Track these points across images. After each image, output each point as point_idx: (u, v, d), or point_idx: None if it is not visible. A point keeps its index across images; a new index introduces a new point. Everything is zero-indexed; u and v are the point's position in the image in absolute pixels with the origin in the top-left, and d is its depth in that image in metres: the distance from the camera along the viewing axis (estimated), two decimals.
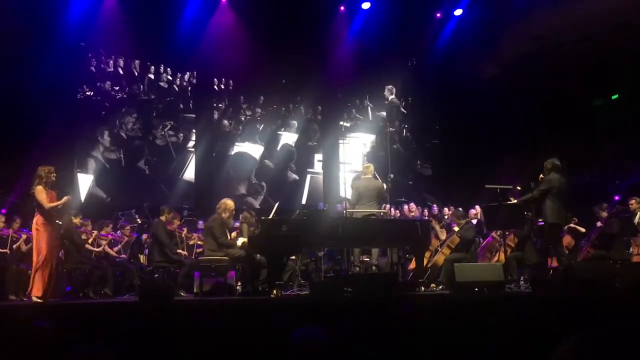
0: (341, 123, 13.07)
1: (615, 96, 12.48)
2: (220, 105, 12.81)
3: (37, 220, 6.47)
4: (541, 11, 11.39)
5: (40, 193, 6.40)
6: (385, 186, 8.45)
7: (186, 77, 12.52)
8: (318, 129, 13.51)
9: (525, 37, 11.94)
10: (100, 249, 8.63)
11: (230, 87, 12.95)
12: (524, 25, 11.82)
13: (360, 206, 8.27)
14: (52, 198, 6.56)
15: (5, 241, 7.95)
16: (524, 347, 4.02)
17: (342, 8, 12.99)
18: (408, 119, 14.31)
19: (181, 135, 12.33)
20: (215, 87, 12.81)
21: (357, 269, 8.64)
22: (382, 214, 8.49)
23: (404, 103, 14.23)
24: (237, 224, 9.05)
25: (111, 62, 11.85)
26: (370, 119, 14.09)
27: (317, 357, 2.60)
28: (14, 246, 7.96)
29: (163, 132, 12.16)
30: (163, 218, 8.51)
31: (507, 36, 12.33)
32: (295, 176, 13.15)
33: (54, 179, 6.63)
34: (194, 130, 12.48)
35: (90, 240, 8.48)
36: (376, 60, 13.35)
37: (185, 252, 8.98)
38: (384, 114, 13.97)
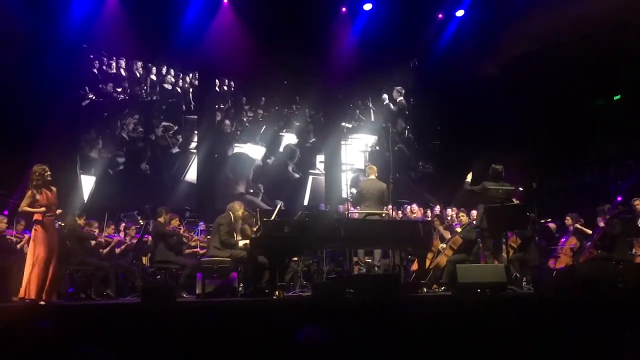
0: (343, 124, 13.08)
1: (618, 96, 12.47)
2: (222, 106, 12.82)
3: (34, 221, 6.46)
4: (542, 11, 11.39)
5: (27, 197, 6.38)
6: (388, 187, 8.46)
7: (188, 78, 12.54)
8: (312, 130, 13.48)
9: (526, 38, 11.94)
10: (107, 250, 8.64)
11: (232, 88, 12.96)
12: (525, 25, 11.82)
13: (364, 207, 8.28)
14: (45, 197, 6.47)
15: (8, 242, 7.94)
16: (526, 347, 4.02)
17: (343, 9, 12.99)
18: (410, 120, 14.31)
19: (183, 136, 12.33)
20: (217, 88, 12.83)
21: (363, 269, 8.65)
22: (384, 215, 8.48)
23: (405, 103, 14.23)
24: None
25: (113, 63, 11.87)
26: (373, 119, 14.08)
27: (320, 357, 2.60)
28: (18, 246, 7.96)
29: (165, 134, 12.17)
30: (161, 219, 8.53)
31: (508, 36, 12.32)
32: (296, 175, 13.14)
33: (48, 178, 6.52)
34: (196, 132, 12.49)
35: (94, 243, 8.46)
36: (378, 61, 13.33)
37: (192, 241, 9.03)
38: (391, 106, 13.93)
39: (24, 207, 6.43)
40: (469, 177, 7.73)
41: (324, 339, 2.65)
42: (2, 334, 3.42)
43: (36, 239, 6.36)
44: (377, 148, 13.71)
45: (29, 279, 6.26)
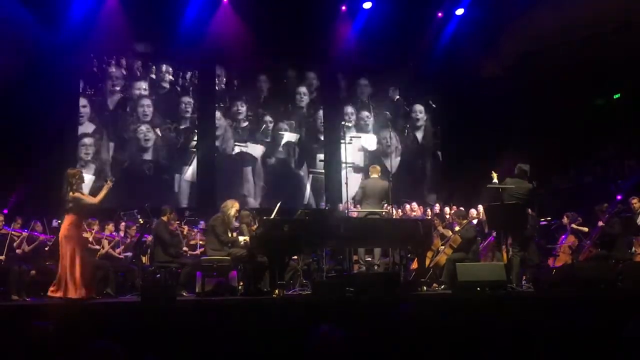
0: (343, 123, 13.07)
1: (617, 95, 12.46)
2: (221, 104, 12.77)
3: (69, 222, 6.69)
4: (543, 10, 11.37)
5: (81, 197, 6.78)
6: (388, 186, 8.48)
7: (188, 76, 12.50)
8: (313, 128, 13.40)
9: (526, 37, 11.91)
10: (104, 250, 8.62)
11: (233, 87, 12.91)
12: (525, 24, 11.79)
13: (365, 205, 8.30)
14: None
15: (6, 241, 7.93)
16: (525, 346, 4.02)
17: (343, 8, 12.95)
18: (410, 119, 14.25)
19: (183, 135, 12.31)
20: (217, 87, 12.77)
21: (363, 268, 8.66)
22: (383, 213, 8.50)
23: (405, 103, 14.17)
24: (237, 224, 9.07)
25: (113, 62, 11.87)
26: (373, 118, 14.01)
27: (336, 356, 2.64)
28: (14, 244, 7.94)
29: (164, 132, 12.15)
30: (165, 218, 8.52)
31: (508, 35, 12.30)
32: (301, 172, 13.06)
33: (81, 182, 6.97)
34: (195, 130, 12.45)
35: (90, 238, 8.45)
36: (378, 59, 13.30)
37: (187, 249, 9.03)
38: (387, 113, 13.88)
39: (94, 200, 6.86)
40: (495, 178, 7.76)
41: (339, 337, 2.69)
42: (5, 334, 3.43)
43: (76, 238, 6.68)
44: (377, 147, 13.65)
45: (81, 277, 6.51)
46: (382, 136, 13.51)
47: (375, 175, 8.63)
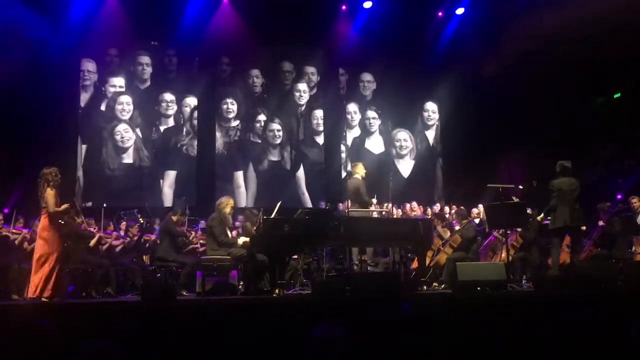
0: (348, 116, 13.08)
1: (617, 95, 12.46)
2: (221, 103, 12.68)
3: (44, 221, 6.63)
4: (543, 10, 11.37)
5: (51, 197, 6.60)
6: (363, 185, 8.35)
7: (174, 71, 12.38)
8: (323, 130, 13.33)
9: (527, 36, 11.91)
10: (107, 245, 8.65)
11: (232, 86, 12.86)
12: (525, 23, 11.79)
13: (352, 205, 8.25)
14: (59, 196, 6.77)
15: (6, 240, 7.94)
16: (525, 346, 4.02)
17: (343, 7, 12.95)
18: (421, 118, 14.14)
19: (182, 132, 12.26)
20: (212, 83, 12.69)
21: (355, 267, 8.66)
22: (384, 212, 8.50)
23: (415, 100, 13.98)
24: (238, 223, 9.07)
25: (113, 61, 11.86)
26: (379, 117, 13.89)
27: (337, 356, 2.64)
28: (16, 242, 7.95)
29: (165, 131, 12.12)
30: (175, 218, 8.52)
31: (508, 35, 12.30)
32: (300, 173, 12.97)
33: (59, 180, 6.80)
34: (195, 128, 12.38)
35: (92, 243, 8.45)
36: (379, 57, 13.27)
37: (195, 240, 9.08)
38: (396, 112, 13.79)
39: (56, 208, 6.63)
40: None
41: (339, 337, 2.69)
42: (5, 333, 3.43)
43: (49, 239, 6.57)
44: (385, 148, 13.55)
45: (44, 278, 6.43)
46: (391, 137, 13.42)
47: (355, 175, 8.52)
